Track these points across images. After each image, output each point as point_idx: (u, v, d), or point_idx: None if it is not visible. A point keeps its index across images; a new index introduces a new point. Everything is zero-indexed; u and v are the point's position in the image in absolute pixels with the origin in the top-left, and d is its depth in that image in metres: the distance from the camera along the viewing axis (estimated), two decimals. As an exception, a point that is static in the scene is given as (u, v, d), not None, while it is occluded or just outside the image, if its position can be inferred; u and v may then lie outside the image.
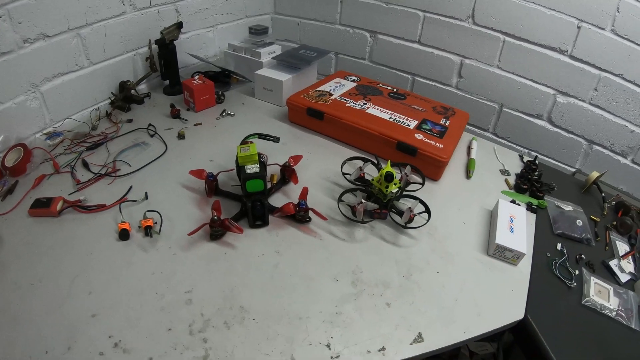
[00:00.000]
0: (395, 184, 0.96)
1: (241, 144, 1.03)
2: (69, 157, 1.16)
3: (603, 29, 1.41)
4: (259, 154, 0.97)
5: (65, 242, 0.90)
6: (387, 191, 0.96)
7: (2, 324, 0.73)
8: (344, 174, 1.10)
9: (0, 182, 1.05)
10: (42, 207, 0.96)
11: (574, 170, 1.66)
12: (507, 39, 1.57)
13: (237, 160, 0.99)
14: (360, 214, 0.94)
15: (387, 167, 0.97)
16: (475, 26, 1.61)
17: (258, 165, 0.94)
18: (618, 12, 1.36)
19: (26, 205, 0.99)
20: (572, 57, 1.49)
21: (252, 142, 1.03)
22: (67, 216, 0.97)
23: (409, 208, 0.95)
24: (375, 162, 1.11)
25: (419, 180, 1.08)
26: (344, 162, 1.13)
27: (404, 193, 1.04)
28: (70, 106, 1.31)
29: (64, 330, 0.73)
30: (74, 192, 1.04)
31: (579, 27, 1.43)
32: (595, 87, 1.50)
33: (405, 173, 1.05)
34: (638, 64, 1.40)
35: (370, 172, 1.11)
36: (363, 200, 0.95)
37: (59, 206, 0.96)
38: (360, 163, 1.10)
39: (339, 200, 1.00)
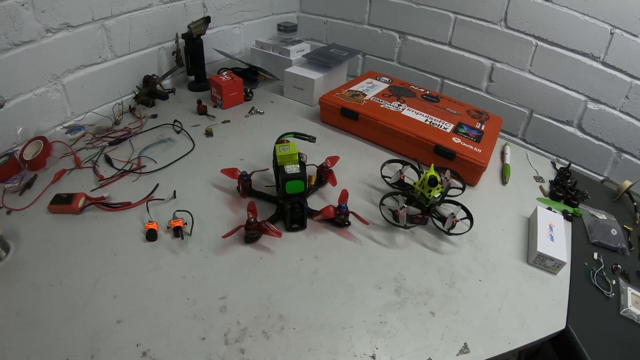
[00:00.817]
0: (438, 189, 0.95)
1: (277, 143, 1.01)
2: (90, 152, 1.15)
3: (636, 36, 1.39)
4: (299, 154, 0.95)
5: (87, 241, 0.88)
6: (429, 196, 0.94)
7: (19, 328, 0.71)
8: (383, 176, 1.09)
9: (18, 175, 1.04)
10: (63, 203, 0.94)
11: (602, 178, 1.64)
12: (540, 43, 1.56)
13: (274, 160, 0.97)
14: (403, 218, 0.93)
15: (430, 171, 0.95)
16: (507, 29, 1.60)
17: (298, 166, 0.92)
18: None
19: (45, 201, 0.97)
20: (604, 63, 1.48)
21: (288, 141, 1.01)
22: (89, 213, 0.95)
23: (452, 214, 0.94)
24: (417, 166, 1.09)
25: (460, 185, 1.07)
26: (384, 165, 1.11)
27: (445, 199, 1.03)
28: (92, 99, 1.31)
29: (87, 336, 0.70)
30: (97, 188, 1.03)
31: (612, 34, 1.42)
32: (627, 94, 1.48)
33: (446, 178, 1.04)
34: None
35: (409, 175, 1.10)
36: (405, 205, 0.94)
37: (80, 203, 0.94)
38: (399, 166, 1.09)
39: (381, 204, 0.99)
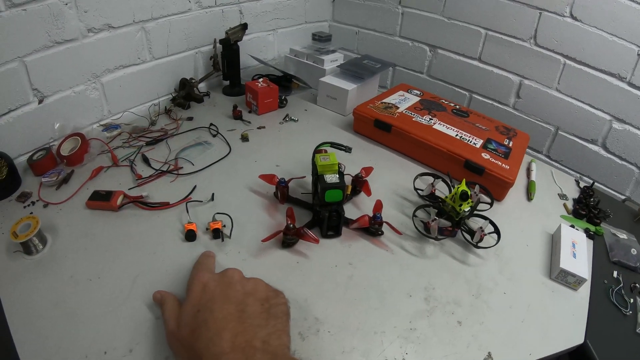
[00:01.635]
0: (468, 203, 0.98)
1: (315, 152, 1.04)
2: (127, 150, 1.18)
3: None
4: (338, 164, 0.98)
5: (125, 238, 0.90)
6: (460, 209, 0.98)
7: (59, 318, 0.73)
8: (416, 189, 1.13)
9: (55, 170, 1.07)
10: (102, 200, 0.96)
11: (623, 197, 1.66)
12: (568, 62, 1.58)
13: (314, 169, 1.00)
14: (434, 230, 0.97)
15: (462, 186, 0.99)
16: (536, 47, 1.63)
17: (337, 175, 0.95)
18: None
19: (83, 197, 1.00)
20: (630, 84, 1.50)
21: (324, 151, 1.03)
22: (127, 211, 0.97)
23: (480, 228, 0.98)
24: (448, 180, 1.13)
25: (488, 200, 1.11)
26: (417, 177, 1.16)
27: (474, 212, 1.06)
28: (130, 99, 1.35)
29: (125, 331, 0.72)
30: (134, 187, 1.05)
31: (639, 55, 1.44)
32: None
33: (475, 192, 1.07)
34: None
35: (440, 188, 1.14)
36: (437, 217, 0.98)
37: (119, 200, 0.96)
38: (430, 179, 1.13)
39: (414, 215, 1.03)
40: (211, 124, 1.34)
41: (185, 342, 0.61)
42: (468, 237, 1.02)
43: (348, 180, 1.11)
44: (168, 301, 0.72)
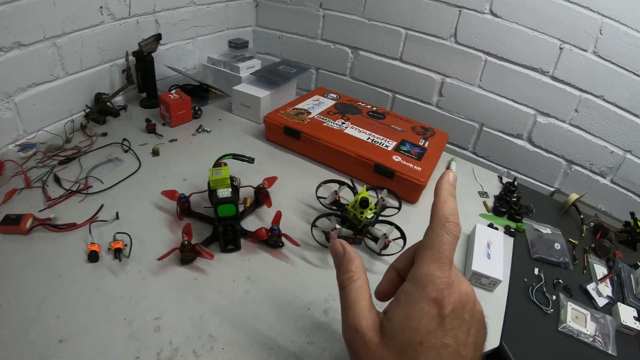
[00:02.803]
0: (370, 209, 0.94)
1: (214, 165, 1.00)
2: (41, 170, 1.12)
3: (585, 50, 1.42)
4: (232, 177, 0.95)
5: (34, 262, 0.86)
6: (362, 217, 0.94)
7: None
8: (318, 197, 1.08)
9: None
10: (12, 224, 0.92)
11: (553, 190, 1.66)
12: (489, 58, 1.58)
13: (209, 183, 0.96)
14: (334, 240, 0.92)
15: (362, 193, 0.94)
16: (457, 45, 1.62)
17: (230, 190, 0.92)
18: (600, 34, 1.38)
19: None
20: (553, 77, 1.51)
21: (225, 164, 1.00)
22: (37, 234, 0.93)
23: (384, 234, 0.94)
24: (351, 185, 1.09)
25: (396, 204, 1.06)
26: (319, 185, 1.11)
27: (380, 218, 1.02)
28: (45, 117, 1.28)
29: (32, 356, 0.69)
30: (44, 209, 1.00)
31: (561, 49, 1.45)
32: (576, 108, 1.51)
33: (382, 197, 1.03)
34: (619, 86, 1.42)
35: (346, 195, 1.09)
36: (337, 226, 0.93)
37: (28, 224, 0.92)
38: (336, 186, 1.08)
39: (313, 225, 0.98)
40: (124, 139, 1.28)
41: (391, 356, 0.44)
42: (372, 244, 0.97)
43: (250, 191, 1.07)
44: (355, 270, 0.52)
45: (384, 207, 1.04)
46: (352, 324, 0.47)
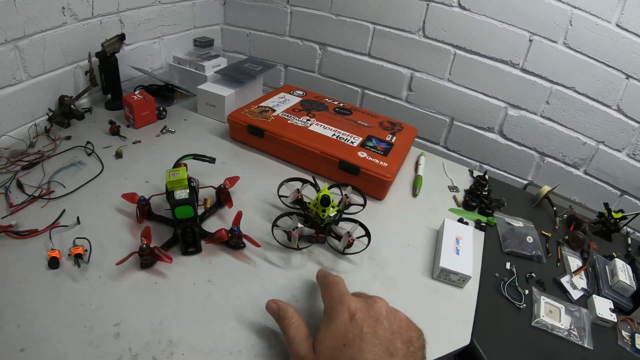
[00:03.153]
0: (333, 207, 0.91)
1: (174, 166, 0.97)
2: (4, 177, 1.08)
3: (555, 42, 1.42)
4: (190, 178, 0.91)
5: None
6: (324, 215, 0.90)
7: None
8: (280, 196, 1.04)
9: None
10: None
11: (526, 182, 1.66)
12: (458, 52, 1.57)
13: (166, 185, 0.93)
14: (295, 239, 0.89)
15: (323, 190, 0.91)
16: (425, 39, 1.60)
17: (187, 191, 0.88)
18: (570, 25, 1.37)
19: None
20: (523, 70, 1.50)
21: (184, 165, 0.97)
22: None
23: (348, 232, 0.91)
24: (314, 183, 1.05)
25: (360, 201, 1.03)
26: (281, 184, 1.07)
27: (344, 215, 0.99)
28: (8, 122, 1.24)
29: None
30: (7, 215, 0.97)
31: (530, 40, 1.44)
32: (547, 99, 1.51)
33: (346, 194, 1.00)
34: (590, 77, 1.42)
35: (309, 194, 1.06)
36: (299, 225, 0.90)
37: None
38: (298, 184, 1.04)
39: (274, 225, 0.94)
40: (88, 142, 1.24)
41: None
42: (336, 243, 0.94)
43: (211, 192, 1.03)
44: (291, 316, 0.69)
45: (349, 205, 1.01)
46: (295, 352, 0.63)
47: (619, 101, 1.44)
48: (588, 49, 1.40)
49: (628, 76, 1.40)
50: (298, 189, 1.01)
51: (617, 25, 1.34)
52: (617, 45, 1.36)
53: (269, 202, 1.08)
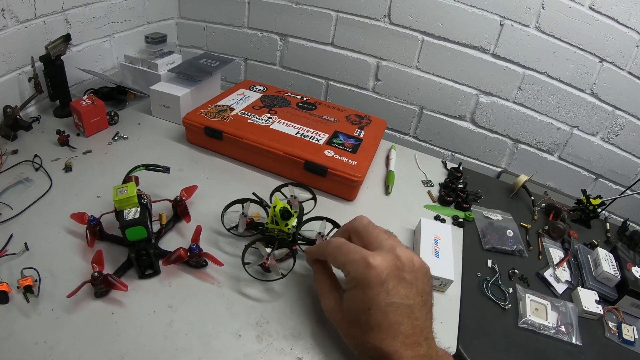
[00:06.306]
0: (293, 215, 0.83)
1: (124, 180, 0.89)
2: None
3: (527, 26, 1.39)
4: (140, 195, 0.82)
5: None
6: (288, 229, 0.83)
7: None
8: (228, 229, 0.93)
9: None
10: None
11: (500, 170, 1.63)
12: (426, 38, 1.52)
13: (114, 204, 0.83)
14: (275, 268, 0.80)
15: (276, 203, 0.83)
16: (391, 26, 1.54)
17: (138, 209, 0.80)
18: (543, 8, 1.34)
19: None
20: (494, 55, 1.46)
21: (134, 179, 0.89)
22: None
23: (319, 233, 0.85)
24: (257, 199, 0.96)
25: (309, 196, 0.97)
26: (223, 214, 0.95)
27: (306, 217, 0.93)
28: None
29: None
30: None
31: (501, 25, 1.40)
32: (520, 85, 1.49)
33: (293, 196, 0.93)
34: (563, 61, 1.40)
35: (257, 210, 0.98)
36: (268, 251, 0.81)
37: None
38: (239, 207, 0.94)
39: (245, 264, 0.83)
40: (35, 156, 1.13)
41: (348, 326, 0.65)
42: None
43: (167, 205, 0.94)
44: (316, 272, 0.76)
45: (302, 206, 0.93)
46: (322, 305, 0.71)
47: (593, 85, 1.43)
48: (561, 32, 1.36)
49: (602, 59, 1.38)
50: (243, 213, 0.91)
51: (591, 8, 1.31)
52: (591, 29, 1.34)
53: (230, 210, 0.99)
